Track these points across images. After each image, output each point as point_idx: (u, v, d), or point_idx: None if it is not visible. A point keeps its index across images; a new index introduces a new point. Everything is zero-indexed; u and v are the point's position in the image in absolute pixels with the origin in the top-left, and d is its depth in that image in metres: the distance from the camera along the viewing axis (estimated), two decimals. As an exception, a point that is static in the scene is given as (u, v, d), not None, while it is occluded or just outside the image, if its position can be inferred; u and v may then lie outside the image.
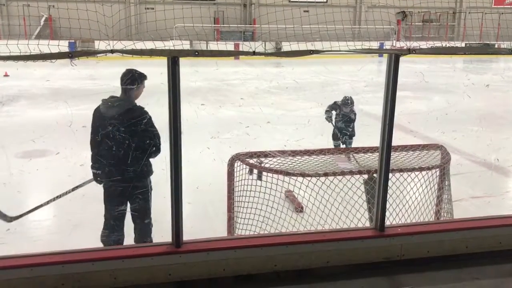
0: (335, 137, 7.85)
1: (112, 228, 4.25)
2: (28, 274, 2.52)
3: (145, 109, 4.17)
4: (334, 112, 7.92)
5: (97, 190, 4.32)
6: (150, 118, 4.14)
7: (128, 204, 4.31)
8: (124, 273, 2.62)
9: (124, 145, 4.05)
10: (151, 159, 4.25)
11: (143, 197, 4.28)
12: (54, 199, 4.45)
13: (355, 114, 7.91)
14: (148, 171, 4.27)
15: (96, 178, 4.28)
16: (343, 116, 7.82)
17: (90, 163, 4.24)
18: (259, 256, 2.79)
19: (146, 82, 4.27)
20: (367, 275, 2.85)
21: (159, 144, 4.13)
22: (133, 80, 4.16)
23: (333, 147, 7.68)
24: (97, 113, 4.19)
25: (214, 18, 30.41)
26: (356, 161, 4.69)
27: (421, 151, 4.75)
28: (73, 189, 4.44)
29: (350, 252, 2.90)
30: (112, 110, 4.13)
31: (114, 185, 4.17)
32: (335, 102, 7.91)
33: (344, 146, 7.71)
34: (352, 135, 7.79)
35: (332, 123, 7.94)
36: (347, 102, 7.76)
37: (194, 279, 2.71)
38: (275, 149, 4.74)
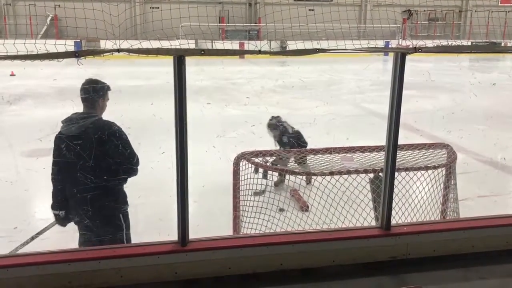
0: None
1: None
2: (35, 272, 2.53)
3: (116, 123, 3.57)
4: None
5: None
6: (122, 133, 3.53)
7: None
8: (130, 271, 2.63)
9: (91, 171, 3.42)
10: (126, 187, 3.66)
11: (117, 238, 3.68)
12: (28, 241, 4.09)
13: (289, 136, 6.64)
14: (119, 202, 3.64)
15: (60, 220, 3.69)
16: (278, 141, 6.76)
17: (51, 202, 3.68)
18: (264, 254, 2.79)
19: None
20: (373, 274, 2.85)
21: (133, 166, 3.55)
22: (95, 90, 3.55)
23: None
24: (57, 139, 3.58)
25: (219, 17, 30.46)
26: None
27: (427, 150, 4.73)
28: (37, 235, 4.07)
29: (356, 251, 2.89)
30: (76, 128, 3.47)
31: (81, 227, 3.61)
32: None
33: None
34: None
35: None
36: (271, 123, 6.69)
37: (200, 278, 2.71)
38: (280, 148, 4.74)
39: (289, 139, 6.66)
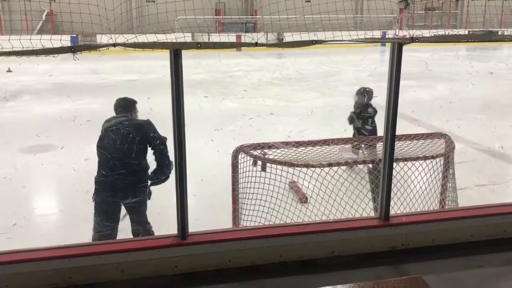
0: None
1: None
2: (36, 268, 2.54)
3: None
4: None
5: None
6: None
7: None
8: (130, 265, 2.64)
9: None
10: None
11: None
12: None
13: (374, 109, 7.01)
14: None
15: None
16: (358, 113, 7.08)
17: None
18: (264, 247, 2.80)
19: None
20: (372, 265, 2.86)
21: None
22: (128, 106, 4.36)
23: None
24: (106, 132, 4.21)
25: (216, 10, 30.31)
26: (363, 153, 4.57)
27: (425, 140, 4.74)
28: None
29: (355, 242, 2.90)
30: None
31: None
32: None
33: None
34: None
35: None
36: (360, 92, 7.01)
37: (200, 271, 2.72)
38: (278, 141, 4.73)
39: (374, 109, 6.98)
